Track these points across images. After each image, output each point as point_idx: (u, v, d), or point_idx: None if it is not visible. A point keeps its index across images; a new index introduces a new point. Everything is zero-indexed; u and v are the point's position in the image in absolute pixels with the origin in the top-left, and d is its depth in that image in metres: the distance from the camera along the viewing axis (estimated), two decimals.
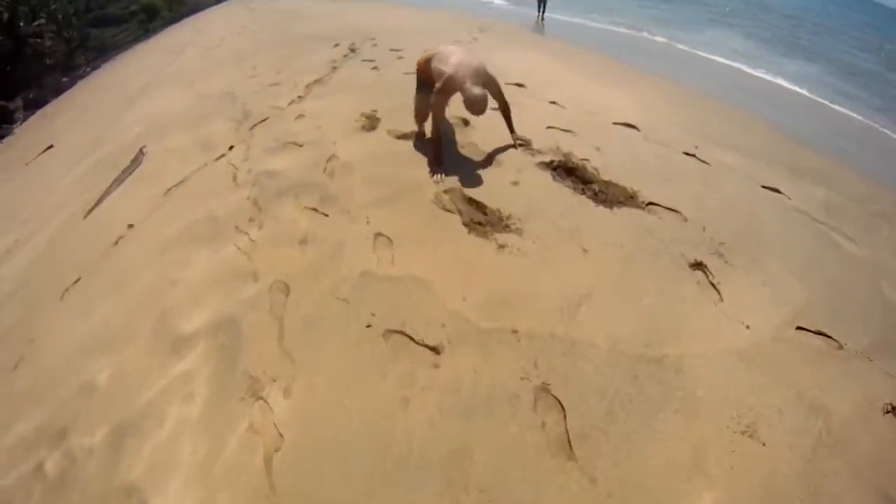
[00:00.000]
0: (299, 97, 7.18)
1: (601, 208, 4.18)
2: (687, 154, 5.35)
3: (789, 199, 4.79)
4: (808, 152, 6.61)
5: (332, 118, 6.04)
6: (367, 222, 4.02)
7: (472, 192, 4.27)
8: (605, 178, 4.55)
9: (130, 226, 4.84)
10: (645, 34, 15.22)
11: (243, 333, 3.29)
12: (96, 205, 5.60)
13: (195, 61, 13.79)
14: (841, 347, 3.12)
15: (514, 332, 3.10)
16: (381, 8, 18.41)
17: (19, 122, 16.47)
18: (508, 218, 3.97)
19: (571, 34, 13.89)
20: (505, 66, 5.80)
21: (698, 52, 13.36)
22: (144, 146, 6.77)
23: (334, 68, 8.60)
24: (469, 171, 4.57)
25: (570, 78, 7.94)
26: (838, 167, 6.30)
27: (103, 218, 5.27)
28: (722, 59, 12.85)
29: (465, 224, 3.94)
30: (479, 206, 4.13)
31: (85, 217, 5.44)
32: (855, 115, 9.96)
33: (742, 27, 19.63)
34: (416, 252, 3.72)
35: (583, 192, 4.35)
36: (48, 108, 17.13)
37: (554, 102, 6.42)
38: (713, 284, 3.46)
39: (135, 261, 4.34)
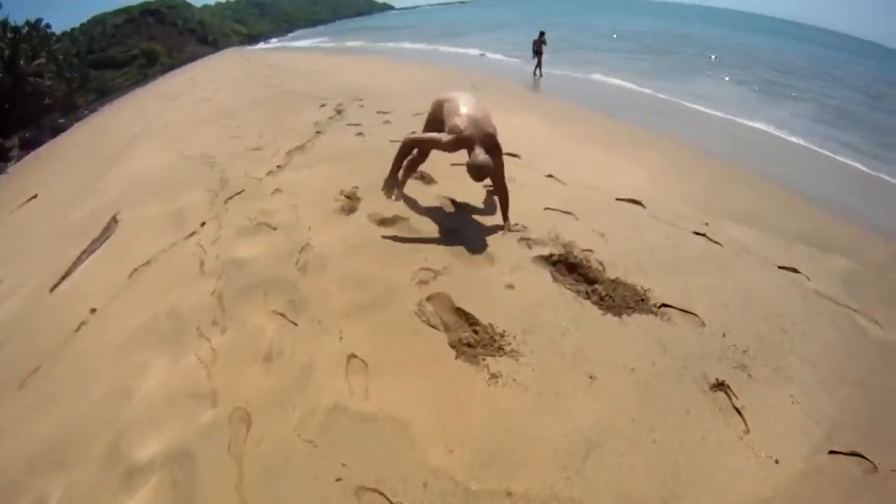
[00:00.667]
0: (278, 167, 6.89)
1: (609, 317, 3.68)
2: (697, 234, 4.93)
3: (808, 279, 4.40)
4: (819, 213, 6.24)
5: (309, 195, 5.70)
6: (340, 338, 3.53)
7: (460, 300, 3.77)
8: (612, 275, 4.08)
9: (93, 310, 4.48)
10: (646, 90, 15.00)
11: (199, 472, 2.85)
12: (64, 277, 5.31)
13: (184, 114, 13.88)
14: (875, 469, 2.77)
15: (510, 494, 2.57)
16: (372, 63, 18.44)
17: (14, 161, 16.79)
18: (503, 336, 3.44)
19: (565, 90, 13.67)
20: (500, 131, 5.36)
21: (695, 107, 13.11)
22: (118, 213, 6.53)
23: (318, 132, 8.34)
24: (458, 267, 4.15)
25: (567, 145, 7.58)
26: (849, 227, 5.93)
27: (69, 295, 4.95)
28: (718, 113, 12.56)
29: (452, 345, 3.41)
30: (468, 319, 3.62)
31: (52, 291, 5.12)
32: (859, 166, 9.72)
33: (732, 74, 19.69)
34: (394, 382, 3.21)
35: (587, 296, 3.85)
36: (42, 150, 17.33)
37: (551, 176, 6.03)
38: (737, 410, 3.01)
39: (94, 357, 3.96)
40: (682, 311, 3.78)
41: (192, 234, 5.40)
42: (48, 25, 27.52)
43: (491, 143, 4.32)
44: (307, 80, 15.22)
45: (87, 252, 5.73)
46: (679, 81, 16.54)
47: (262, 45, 56.83)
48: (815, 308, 4.01)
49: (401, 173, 4.94)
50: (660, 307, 3.79)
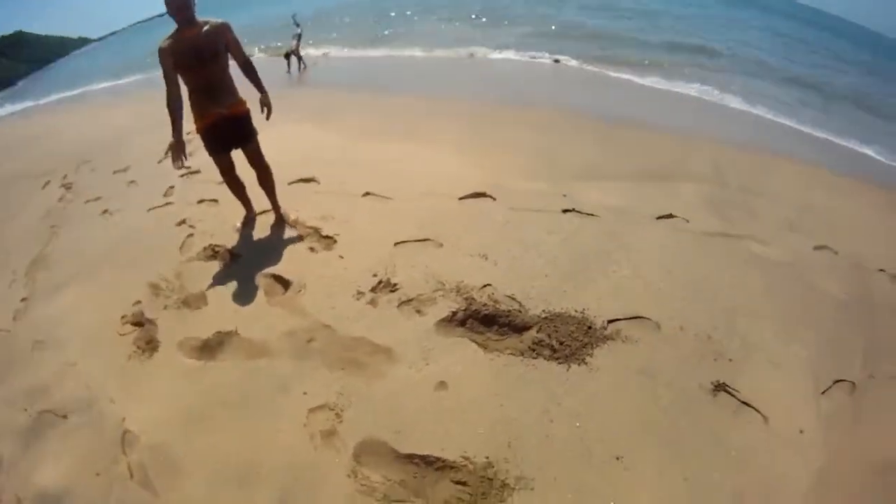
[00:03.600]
0: (23, 300, 4.95)
1: (575, 368, 2.86)
2: (566, 211, 4.43)
3: (687, 221, 4.37)
4: (631, 134, 6.49)
5: (84, 341, 4.02)
6: None
7: (399, 440, 2.60)
8: (535, 309, 3.23)
9: None
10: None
11: None
12: None
13: None
14: (854, 387, 2.96)
15: None
16: (88, 108, 16.12)
17: None
18: (493, 467, 2.43)
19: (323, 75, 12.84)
20: (276, 152, 4.40)
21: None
22: None
23: (53, 229, 6.45)
24: (355, 386, 2.96)
25: (357, 146, 6.56)
26: (664, 139, 6.39)
27: None
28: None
29: None
30: (434, 464, 2.49)
31: None
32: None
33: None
34: None
35: (534, 354, 2.92)
36: None
37: (369, 194, 5.00)
38: (747, 403, 2.78)
39: None
40: (630, 318, 3.22)
41: None
42: None
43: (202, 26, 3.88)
44: (18, 153, 12.75)
45: None
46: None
47: None
48: (715, 252, 3.98)
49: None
50: (608, 326, 3.13)
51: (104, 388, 3.47)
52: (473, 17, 20.83)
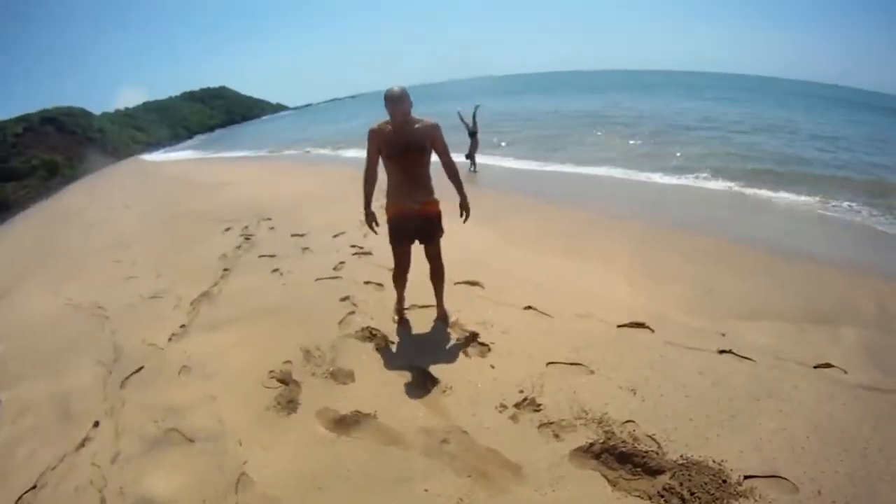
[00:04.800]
0: (182, 327, 5.72)
1: None
2: (722, 352, 4.30)
3: (845, 372, 4.04)
4: (804, 270, 6.16)
5: (229, 379, 4.56)
6: None
7: None
8: (673, 454, 3.23)
9: None
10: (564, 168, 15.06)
11: None
12: None
13: (75, 243, 12.84)
14: None
15: None
16: (276, 170, 17.51)
17: None
18: None
19: (492, 179, 13.31)
20: (446, 250, 4.85)
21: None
22: None
23: (225, 270, 7.17)
24: (478, 497, 3.08)
25: (526, 255, 6.84)
26: (836, 276, 5.99)
27: None
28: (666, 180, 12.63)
29: None
30: None
31: None
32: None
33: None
34: None
35: (662, 501, 2.94)
36: None
37: (530, 307, 5.20)
38: None
39: None
40: (768, 477, 3.06)
41: (84, 441, 4.17)
42: None
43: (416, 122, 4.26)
44: (208, 195, 14.24)
45: None
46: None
47: (160, 153, 55.89)
48: (868, 408, 3.62)
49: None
50: (743, 482, 3.02)
51: (235, 429, 3.88)
52: (648, 135, 21.10)
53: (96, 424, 4.37)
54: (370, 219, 4.51)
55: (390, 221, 4.46)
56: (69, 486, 3.76)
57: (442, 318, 4.93)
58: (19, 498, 3.77)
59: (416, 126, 4.22)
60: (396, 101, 4.06)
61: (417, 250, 4.70)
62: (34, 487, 3.85)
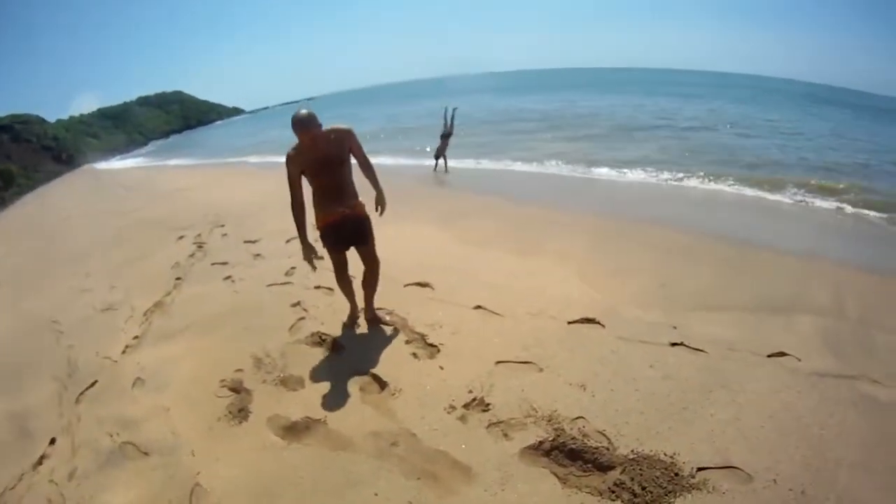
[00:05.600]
0: (135, 338, 5.64)
1: None
2: (674, 344, 4.27)
3: (799, 359, 4.02)
4: (753, 255, 6.29)
5: (181, 390, 4.48)
6: None
7: None
8: (624, 449, 3.17)
9: None
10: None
11: None
12: None
13: (31, 257, 12.72)
14: None
15: None
16: (230, 174, 17.40)
17: None
18: None
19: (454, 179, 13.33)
20: (394, 252, 5.02)
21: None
22: None
23: (178, 279, 7.09)
24: (428, 500, 3.01)
25: (478, 254, 6.79)
26: (788, 262, 6.10)
27: None
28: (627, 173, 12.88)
29: None
30: None
31: None
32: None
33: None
34: None
35: (614, 497, 2.87)
36: None
37: (480, 307, 5.13)
38: None
39: None
40: (720, 467, 3.02)
41: (42, 459, 4.08)
42: None
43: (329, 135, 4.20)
44: (162, 203, 14.21)
45: None
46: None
47: (116, 160, 55.26)
48: (825, 396, 3.62)
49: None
50: (696, 474, 2.97)
51: (188, 440, 3.81)
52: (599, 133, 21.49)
53: (53, 441, 4.27)
54: (308, 252, 4.49)
55: (323, 230, 4.45)
56: None
57: (373, 321, 4.91)
58: None
59: (333, 138, 4.20)
60: (305, 126, 4.04)
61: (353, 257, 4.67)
62: None
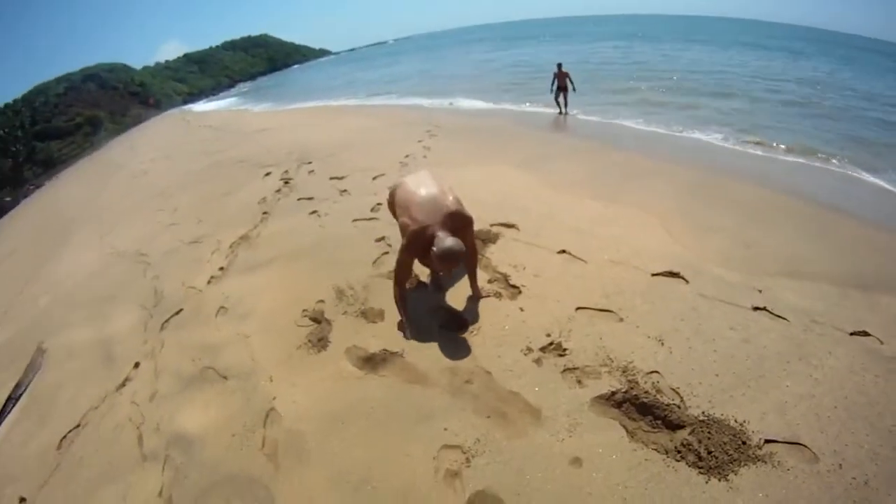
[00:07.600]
0: (221, 269, 5.96)
1: (713, 483, 2.80)
2: (757, 308, 4.17)
3: (881, 342, 3.80)
4: (846, 232, 5.83)
5: (263, 318, 4.74)
6: None
7: (513, 503, 2.77)
8: (695, 409, 3.22)
9: (22, 500, 3.57)
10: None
11: None
12: None
13: (119, 195, 13.22)
14: None
15: None
16: (318, 114, 17.39)
17: None
18: None
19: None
20: (483, 193, 4.58)
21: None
22: (43, 342, 5.72)
23: (265, 214, 7.36)
24: (494, 436, 3.17)
25: (564, 199, 6.67)
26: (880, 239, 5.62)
27: None
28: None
29: None
30: None
31: None
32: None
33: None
34: None
35: (679, 457, 2.95)
36: None
37: (564, 251, 5.13)
38: None
39: None
40: (789, 443, 3.00)
41: (125, 382, 4.50)
42: None
43: (457, 220, 3.72)
44: (249, 142, 14.40)
45: (12, 399, 4.96)
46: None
47: (202, 103, 56.02)
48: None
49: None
50: (763, 446, 2.98)
51: (266, 366, 4.08)
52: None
53: (137, 365, 4.67)
54: (410, 327, 4.18)
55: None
56: (109, 425, 4.05)
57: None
58: (64, 436, 4.08)
59: (456, 227, 3.83)
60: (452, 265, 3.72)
61: None
62: (78, 426, 4.17)
